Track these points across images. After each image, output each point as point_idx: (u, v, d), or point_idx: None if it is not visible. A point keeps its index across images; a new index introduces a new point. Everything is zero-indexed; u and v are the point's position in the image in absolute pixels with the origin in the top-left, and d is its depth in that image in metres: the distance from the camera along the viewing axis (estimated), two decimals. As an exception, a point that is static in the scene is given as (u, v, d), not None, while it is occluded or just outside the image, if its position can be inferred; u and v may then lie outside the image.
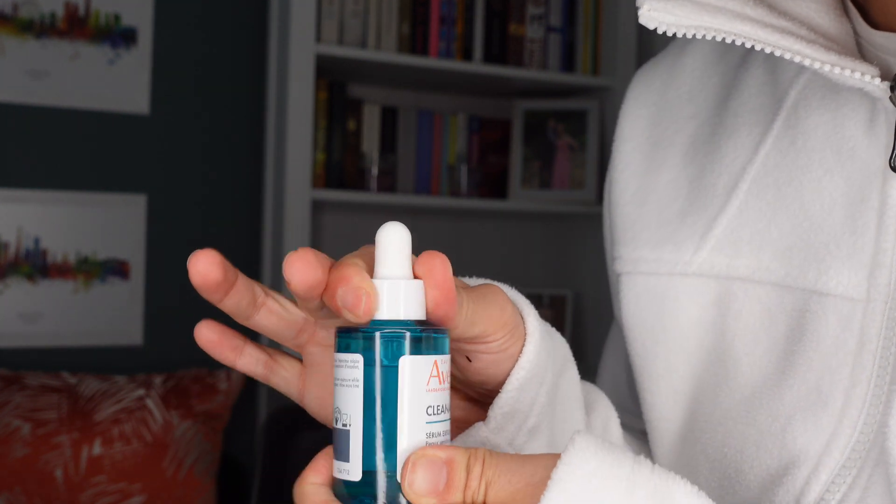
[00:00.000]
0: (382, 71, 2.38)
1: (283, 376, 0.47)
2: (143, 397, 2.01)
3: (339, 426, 0.40)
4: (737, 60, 0.61)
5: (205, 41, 2.33)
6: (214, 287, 0.40)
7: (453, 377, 0.49)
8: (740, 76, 0.59)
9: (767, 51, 0.49)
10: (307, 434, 1.91)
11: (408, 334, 0.40)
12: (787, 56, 0.48)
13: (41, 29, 2.19)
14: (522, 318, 0.48)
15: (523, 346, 0.47)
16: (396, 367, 0.40)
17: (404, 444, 0.40)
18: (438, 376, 0.41)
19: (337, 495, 0.41)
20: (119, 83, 2.25)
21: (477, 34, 2.43)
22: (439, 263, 0.40)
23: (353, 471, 0.40)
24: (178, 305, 2.31)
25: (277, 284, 2.19)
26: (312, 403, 0.48)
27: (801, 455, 0.50)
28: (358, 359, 0.40)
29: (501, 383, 0.47)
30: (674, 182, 0.59)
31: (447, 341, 0.41)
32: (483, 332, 0.44)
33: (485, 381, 0.47)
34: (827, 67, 0.48)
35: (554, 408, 0.52)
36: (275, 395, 2.25)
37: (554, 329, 0.53)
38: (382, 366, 0.40)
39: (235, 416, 2.27)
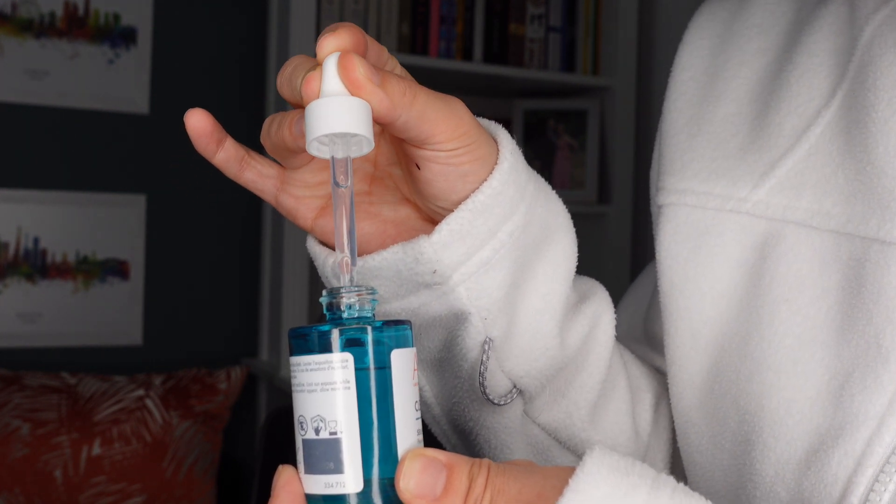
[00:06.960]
0: (382, 71, 2.37)
1: (257, 170, 0.49)
2: (143, 397, 2.01)
3: (324, 436, 0.37)
4: None
5: (205, 41, 2.33)
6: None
7: (408, 191, 0.48)
8: (818, 12, 0.55)
9: None
10: (307, 434, 1.91)
11: (392, 326, 0.38)
12: None
13: (40, 28, 2.19)
14: (498, 148, 0.47)
15: (490, 173, 0.46)
16: (390, 362, 0.38)
17: (404, 444, 0.37)
18: (416, 368, 0.40)
19: None
20: (119, 83, 2.25)
21: (477, 34, 2.43)
22: (347, 62, 0.39)
23: (350, 482, 0.37)
24: (178, 305, 2.31)
25: (278, 282, 2.19)
26: (288, 201, 0.49)
27: (860, 415, 0.46)
28: (347, 357, 0.37)
29: (456, 205, 0.46)
30: (734, 116, 0.56)
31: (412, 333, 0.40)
32: (432, 133, 0.43)
33: (436, 195, 0.46)
34: None
35: (524, 259, 0.50)
36: (275, 394, 2.25)
37: (554, 193, 0.52)
38: (377, 362, 0.37)
39: (235, 416, 2.27)
